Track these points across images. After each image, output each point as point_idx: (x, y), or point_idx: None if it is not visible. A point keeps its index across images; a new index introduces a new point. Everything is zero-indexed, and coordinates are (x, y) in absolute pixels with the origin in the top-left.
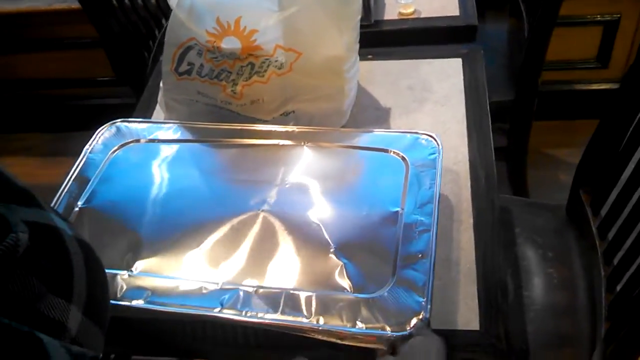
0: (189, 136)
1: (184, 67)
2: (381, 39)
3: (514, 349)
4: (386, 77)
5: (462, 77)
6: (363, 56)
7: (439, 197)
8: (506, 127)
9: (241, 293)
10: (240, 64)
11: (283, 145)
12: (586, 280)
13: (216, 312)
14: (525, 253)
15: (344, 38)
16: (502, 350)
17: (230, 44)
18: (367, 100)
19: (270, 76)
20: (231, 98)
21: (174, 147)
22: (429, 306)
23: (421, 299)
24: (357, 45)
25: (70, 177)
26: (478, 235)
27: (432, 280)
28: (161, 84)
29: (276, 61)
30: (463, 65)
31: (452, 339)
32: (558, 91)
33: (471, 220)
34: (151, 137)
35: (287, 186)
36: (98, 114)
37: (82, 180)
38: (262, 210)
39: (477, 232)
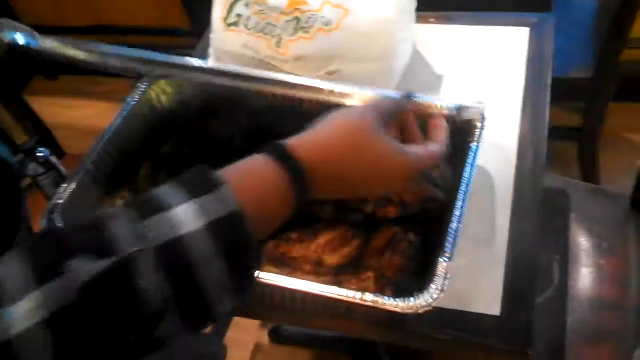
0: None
1: (232, 18)
2: (446, 2)
3: (539, 340)
4: (446, 42)
5: (527, 48)
6: (424, 19)
7: (472, 169)
8: (582, 106)
9: None
10: (285, 18)
11: (323, 101)
12: None
13: None
14: (578, 241)
15: None
16: (520, 341)
17: None
18: (421, 65)
19: (317, 33)
20: (276, 53)
21: None
22: None
23: None
24: (413, 7)
25: None
26: (515, 218)
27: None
28: (211, 35)
29: (323, 17)
30: (530, 35)
31: (468, 322)
32: None
33: (511, 201)
34: None
35: None
36: None
37: None
38: None
39: (515, 214)
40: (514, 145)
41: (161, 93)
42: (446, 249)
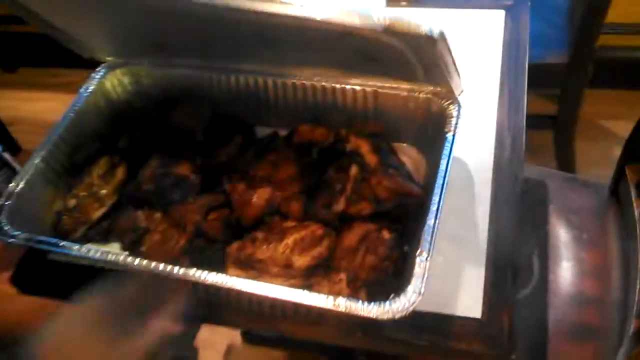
0: None
1: None
2: None
3: (520, 341)
4: None
5: (502, 31)
6: (395, 2)
7: (449, 161)
8: (557, 92)
9: None
10: None
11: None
12: (621, 270)
13: None
14: (557, 233)
15: None
16: (503, 345)
17: None
18: None
19: None
20: None
21: None
22: None
23: None
24: None
25: None
26: (494, 211)
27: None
28: None
29: None
30: (505, 18)
31: (447, 326)
32: (619, 58)
33: (489, 193)
34: None
35: None
36: None
37: None
38: None
39: (494, 208)
40: (491, 135)
41: (117, 83)
42: (423, 247)
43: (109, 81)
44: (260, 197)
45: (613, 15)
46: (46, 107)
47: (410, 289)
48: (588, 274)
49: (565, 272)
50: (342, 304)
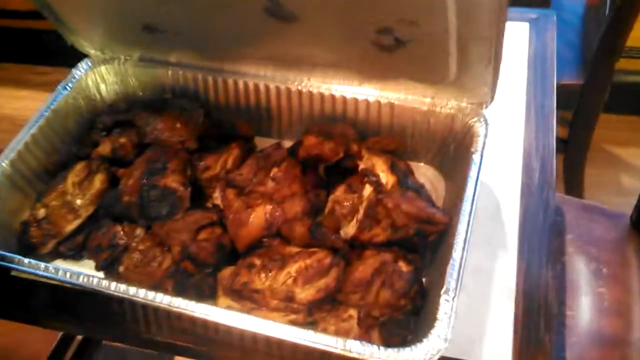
0: None
1: None
2: None
3: None
4: None
5: (527, 46)
6: None
7: (476, 186)
8: (568, 115)
9: None
10: None
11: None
12: None
13: None
14: (575, 265)
15: None
16: None
17: None
18: None
19: None
20: None
21: None
22: None
23: None
24: None
25: None
26: (523, 243)
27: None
28: None
29: None
30: (530, 32)
31: None
32: (631, 82)
33: (516, 222)
34: None
35: None
36: None
37: None
38: None
39: (523, 239)
40: (518, 157)
41: (100, 81)
42: (448, 285)
43: (91, 79)
44: (258, 216)
45: (633, 38)
46: (28, 105)
47: (434, 333)
48: (608, 312)
49: (584, 308)
50: (355, 348)
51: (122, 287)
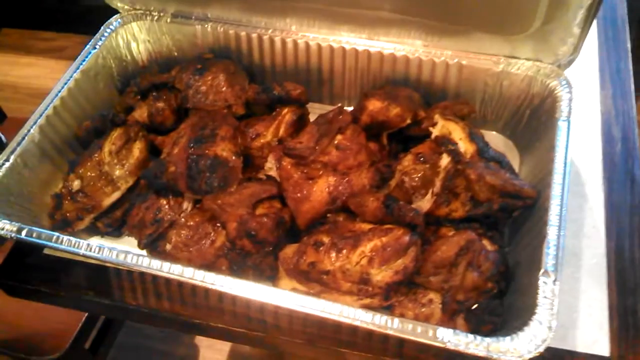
0: None
1: None
2: None
3: None
4: None
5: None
6: None
7: (566, 156)
8: None
9: None
10: None
11: None
12: None
13: None
14: None
15: None
16: None
17: None
18: None
19: None
20: None
21: None
22: None
23: None
24: None
25: None
26: (611, 218)
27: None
28: None
29: None
30: None
31: None
32: None
33: (602, 197)
34: None
35: None
36: None
37: None
38: None
39: (610, 214)
40: (596, 125)
41: (131, 39)
42: (546, 266)
43: (121, 37)
44: (321, 189)
45: None
46: (31, 73)
47: (535, 319)
48: None
49: None
50: (448, 337)
51: (176, 268)
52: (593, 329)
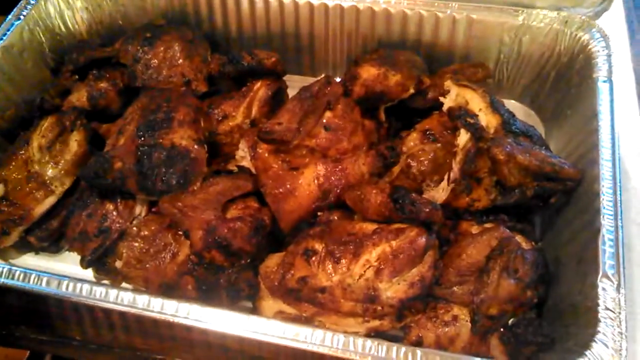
0: None
1: None
2: None
3: None
4: None
5: None
6: None
7: (613, 125)
8: None
9: None
10: None
11: None
12: None
13: None
14: None
15: None
16: None
17: None
18: None
19: None
20: None
21: None
22: None
23: None
24: None
25: None
26: None
27: None
28: None
29: None
30: None
31: None
32: None
33: None
34: None
35: None
36: None
37: None
38: None
39: None
40: (630, 86)
41: (65, 7)
42: (606, 268)
43: (52, 5)
44: (308, 181)
45: None
46: None
47: (599, 341)
48: None
49: None
50: None
51: (126, 295)
52: None
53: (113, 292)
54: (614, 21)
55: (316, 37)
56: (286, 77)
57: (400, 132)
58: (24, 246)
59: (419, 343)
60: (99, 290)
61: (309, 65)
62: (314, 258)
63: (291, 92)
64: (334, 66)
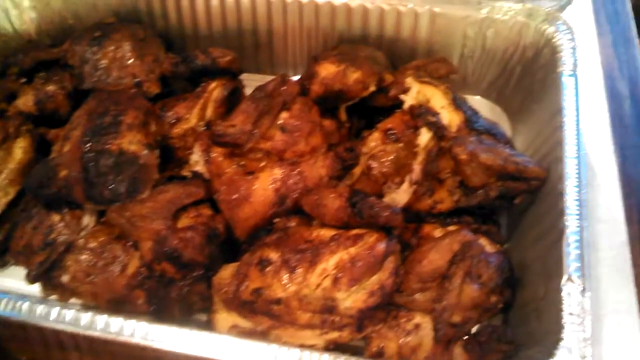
0: None
1: None
2: None
3: None
4: None
5: None
6: None
7: (578, 122)
8: None
9: None
10: None
11: None
12: None
13: None
14: None
15: None
16: None
17: None
18: None
19: None
20: None
21: None
22: None
23: None
24: None
25: None
26: (628, 196)
27: None
28: None
29: None
30: None
31: None
32: None
33: (614, 169)
34: None
35: None
36: None
37: None
38: None
39: (627, 190)
40: (597, 78)
41: (10, 6)
42: (571, 272)
43: None
44: (264, 186)
45: None
46: None
47: (563, 346)
48: None
49: None
50: None
51: (69, 314)
52: (624, 343)
53: (55, 310)
54: (581, 14)
55: (275, 34)
56: (244, 76)
57: (363, 132)
58: None
59: (380, 354)
60: (40, 308)
61: (268, 63)
62: (269, 268)
63: (248, 91)
64: (294, 63)
